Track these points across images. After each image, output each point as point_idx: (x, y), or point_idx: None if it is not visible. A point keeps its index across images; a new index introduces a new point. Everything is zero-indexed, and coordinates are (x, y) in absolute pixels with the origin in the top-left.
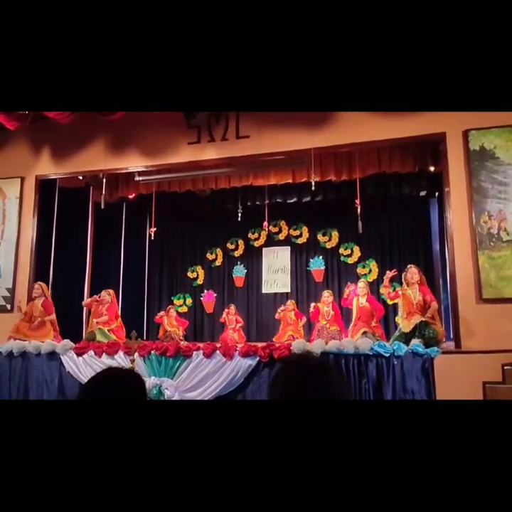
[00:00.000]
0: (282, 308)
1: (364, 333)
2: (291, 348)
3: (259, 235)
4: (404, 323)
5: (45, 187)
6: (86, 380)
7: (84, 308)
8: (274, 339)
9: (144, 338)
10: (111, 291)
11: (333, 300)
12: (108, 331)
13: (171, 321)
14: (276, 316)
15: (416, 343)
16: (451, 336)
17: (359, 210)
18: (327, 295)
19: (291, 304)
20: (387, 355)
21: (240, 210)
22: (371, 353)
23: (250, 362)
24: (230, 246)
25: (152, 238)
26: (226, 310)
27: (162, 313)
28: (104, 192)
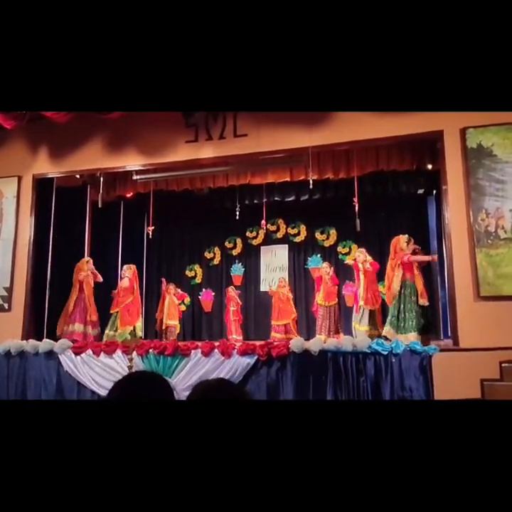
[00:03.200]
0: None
1: (368, 313)
2: (289, 346)
3: (257, 234)
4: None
5: (42, 186)
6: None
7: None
8: (272, 322)
9: (142, 336)
10: (132, 265)
11: (332, 272)
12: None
13: (172, 298)
14: (269, 292)
15: (414, 340)
16: (449, 334)
17: (357, 208)
18: (326, 266)
19: (283, 280)
20: (385, 353)
21: (237, 209)
22: (369, 351)
23: (249, 360)
24: (228, 244)
25: (150, 237)
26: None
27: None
28: (101, 191)
